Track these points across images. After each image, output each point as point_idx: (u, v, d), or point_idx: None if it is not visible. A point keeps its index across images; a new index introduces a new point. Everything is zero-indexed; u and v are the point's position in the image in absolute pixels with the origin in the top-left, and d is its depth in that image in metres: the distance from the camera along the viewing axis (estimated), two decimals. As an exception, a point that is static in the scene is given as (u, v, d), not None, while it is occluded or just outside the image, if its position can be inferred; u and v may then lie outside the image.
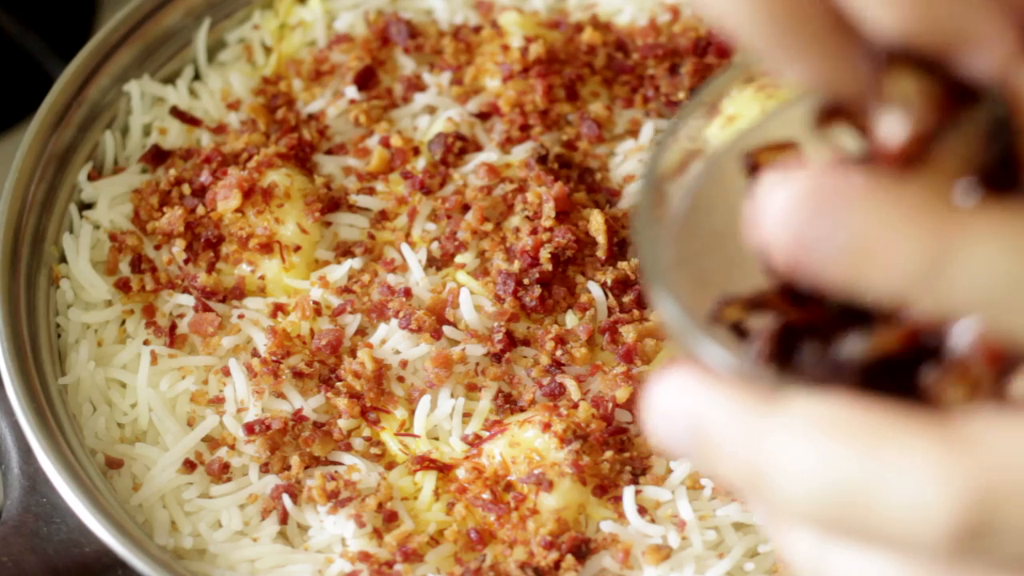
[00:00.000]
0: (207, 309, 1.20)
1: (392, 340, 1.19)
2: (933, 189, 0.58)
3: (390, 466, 1.15)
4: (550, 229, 1.21)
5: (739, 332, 0.65)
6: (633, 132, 1.30)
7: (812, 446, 0.59)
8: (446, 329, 1.18)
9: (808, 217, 0.57)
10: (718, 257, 0.69)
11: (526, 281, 1.20)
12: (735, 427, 0.61)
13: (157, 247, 1.25)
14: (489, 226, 1.22)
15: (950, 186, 0.59)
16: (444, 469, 1.14)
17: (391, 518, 1.11)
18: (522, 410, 1.16)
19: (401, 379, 1.17)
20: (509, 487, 1.12)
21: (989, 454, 0.57)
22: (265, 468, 1.14)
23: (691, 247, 0.71)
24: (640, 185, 0.71)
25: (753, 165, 0.69)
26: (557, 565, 1.09)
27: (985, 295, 0.57)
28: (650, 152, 0.71)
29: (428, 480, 1.13)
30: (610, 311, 1.20)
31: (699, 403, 0.62)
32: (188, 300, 1.21)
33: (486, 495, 1.12)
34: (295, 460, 1.13)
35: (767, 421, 0.60)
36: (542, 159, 1.25)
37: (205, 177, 1.27)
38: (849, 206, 0.57)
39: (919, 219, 0.57)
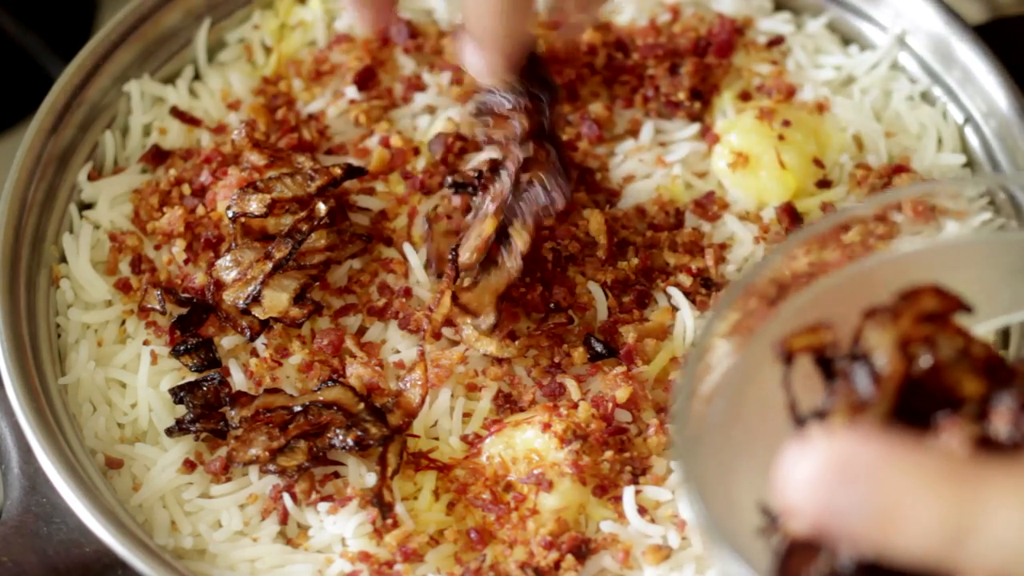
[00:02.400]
0: (208, 309, 1.20)
1: (391, 340, 1.19)
2: (952, 451, 0.61)
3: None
4: (550, 228, 1.22)
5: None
6: (633, 132, 1.30)
7: None
8: (445, 329, 1.18)
9: (834, 487, 0.60)
10: (758, 443, 0.73)
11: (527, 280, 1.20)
12: None
13: (157, 247, 1.25)
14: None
15: (968, 447, 0.62)
16: (444, 469, 1.14)
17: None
18: (522, 410, 1.16)
19: (400, 379, 1.17)
20: (509, 487, 1.12)
21: None
22: (265, 468, 1.14)
23: (734, 440, 0.75)
24: (675, 407, 0.74)
25: (787, 353, 0.72)
26: (557, 565, 1.09)
27: (1011, 556, 0.58)
28: (681, 373, 0.76)
29: (428, 480, 1.14)
30: (610, 311, 1.20)
31: None
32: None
33: (486, 495, 1.12)
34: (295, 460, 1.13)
35: None
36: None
37: (205, 177, 1.27)
38: (872, 475, 0.59)
39: (940, 486, 0.59)
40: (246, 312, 1.18)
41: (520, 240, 1.16)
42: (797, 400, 0.71)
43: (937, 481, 0.59)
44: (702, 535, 0.71)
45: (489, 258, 1.16)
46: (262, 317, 1.17)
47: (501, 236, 1.16)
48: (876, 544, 0.59)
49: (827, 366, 0.71)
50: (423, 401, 1.15)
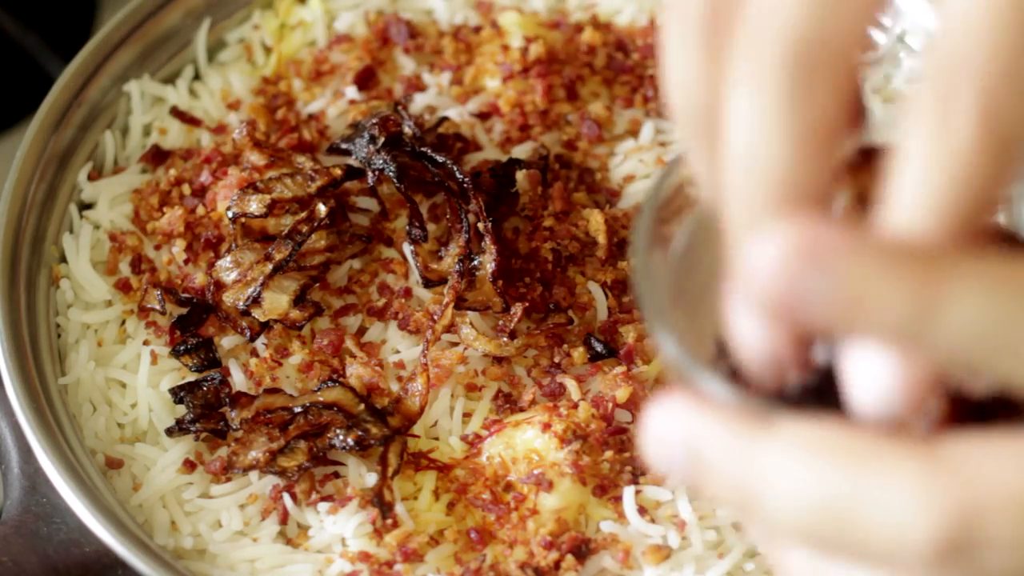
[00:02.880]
0: (208, 310, 1.20)
1: (391, 340, 1.19)
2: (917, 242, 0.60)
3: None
4: (550, 228, 1.22)
5: (735, 372, 0.69)
6: (633, 132, 1.30)
7: (801, 466, 0.62)
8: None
9: (799, 270, 0.59)
10: (714, 295, 0.71)
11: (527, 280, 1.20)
12: (728, 449, 0.64)
13: (157, 247, 1.25)
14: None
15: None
16: (444, 469, 1.14)
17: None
18: (522, 410, 1.16)
19: (400, 379, 1.17)
20: (509, 487, 1.12)
21: (971, 473, 0.60)
22: (265, 468, 1.14)
23: (688, 284, 0.74)
24: (639, 225, 0.73)
25: None
26: (557, 565, 1.09)
27: (973, 341, 0.59)
28: (648, 193, 0.73)
29: (428, 480, 1.14)
30: (610, 311, 1.20)
31: (694, 428, 0.65)
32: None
33: (486, 495, 1.12)
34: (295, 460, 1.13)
35: (758, 444, 0.63)
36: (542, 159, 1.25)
37: (205, 177, 1.27)
38: (838, 258, 0.59)
39: (907, 268, 0.59)
40: (246, 313, 1.18)
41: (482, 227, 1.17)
42: None
43: (904, 264, 0.58)
44: (668, 362, 0.70)
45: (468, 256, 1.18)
46: (262, 319, 1.17)
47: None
48: (843, 327, 0.60)
49: None
50: (423, 410, 1.15)
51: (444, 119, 1.27)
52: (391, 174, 1.19)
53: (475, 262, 1.17)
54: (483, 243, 1.18)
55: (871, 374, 0.62)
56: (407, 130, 1.22)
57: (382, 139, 1.20)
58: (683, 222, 0.74)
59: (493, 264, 1.16)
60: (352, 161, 1.22)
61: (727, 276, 0.65)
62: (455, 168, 1.19)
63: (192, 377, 1.18)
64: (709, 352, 0.70)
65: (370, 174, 1.20)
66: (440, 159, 1.20)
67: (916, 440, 0.61)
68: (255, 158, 1.23)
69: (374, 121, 1.21)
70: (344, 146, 1.23)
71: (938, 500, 0.59)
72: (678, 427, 0.65)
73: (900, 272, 0.59)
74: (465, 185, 1.19)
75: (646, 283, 0.71)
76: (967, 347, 0.59)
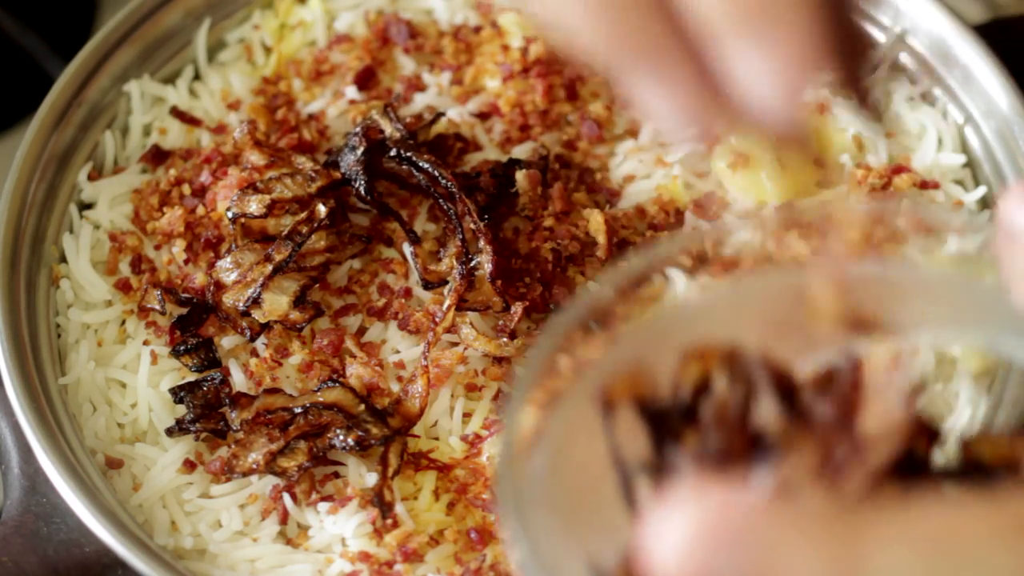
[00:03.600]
0: (208, 310, 1.20)
1: (391, 340, 1.19)
2: (825, 496, 0.58)
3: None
4: (550, 228, 1.22)
5: None
6: (633, 132, 1.30)
7: None
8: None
9: (709, 551, 0.56)
10: (584, 502, 0.68)
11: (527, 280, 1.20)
12: None
13: (157, 247, 1.25)
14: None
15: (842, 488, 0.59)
16: (444, 469, 1.14)
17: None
18: (522, 410, 1.16)
19: (400, 379, 1.17)
20: (509, 487, 1.12)
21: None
22: (265, 468, 1.14)
23: (557, 495, 0.70)
24: (510, 404, 0.69)
25: (607, 402, 0.67)
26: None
27: None
28: (506, 416, 0.70)
29: (428, 480, 1.14)
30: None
31: None
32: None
33: (486, 495, 1.12)
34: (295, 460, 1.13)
35: None
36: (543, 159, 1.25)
37: (205, 177, 1.27)
38: (748, 531, 0.56)
39: (821, 533, 0.56)
40: (246, 314, 1.18)
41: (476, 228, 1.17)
42: (622, 453, 0.66)
43: (815, 531, 0.56)
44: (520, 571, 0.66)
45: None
46: (262, 321, 1.17)
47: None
48: None
49: (652, 415, 0.66)
50: (423, 411, 1.15)
51: (439, 115, 1.27)
52: (362, 189, 1.19)
53: (474, 263, 1.17)
54: (479, 244, 1.17)
55: None
56: (395, 134, 1.22)
57: (362, 148, 1.20)
58: (544, 433, 0.71)
59: (490, 265, 1.16)
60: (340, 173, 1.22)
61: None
62: (438, 173, 1.19)
63: (192, 377, 1.18)
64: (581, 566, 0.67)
65: (354, 187, 1.20)
66: (423, 164, 1.20)
67: None
68: (255, 158, 1.23)
69: (357, 131, 1.21)
70: (335, 159, 1.23)
71: None
72: None
73: (815, 537, 0.56)
74: (451, 189, 1.18)
75: (507, 491, 0.67)
76: None
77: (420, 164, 1.19)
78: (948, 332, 0.79)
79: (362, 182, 1.20)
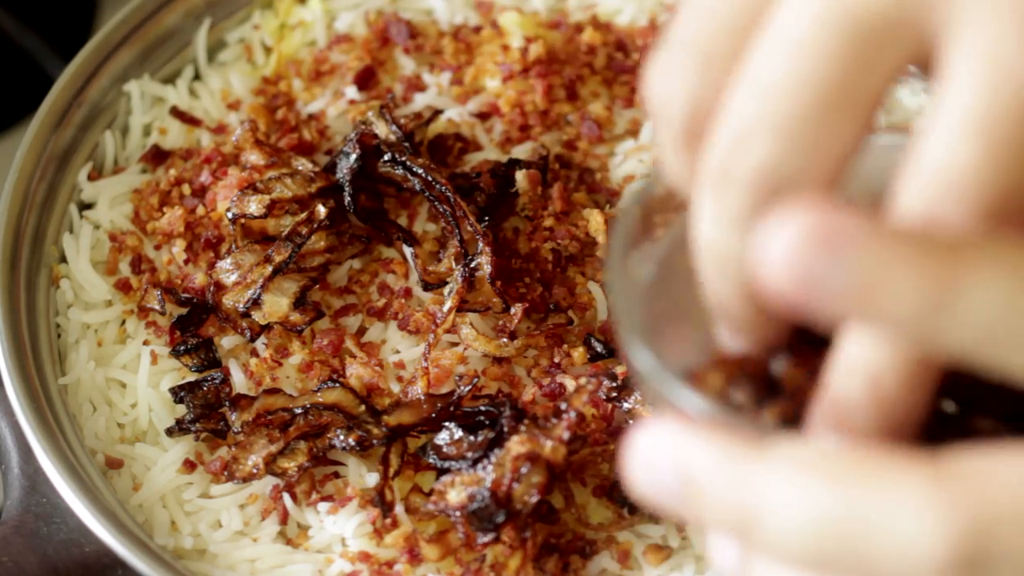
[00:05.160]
0: (208, 310, 1.20)
1: (391, 340, 1.19)
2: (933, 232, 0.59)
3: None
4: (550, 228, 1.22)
5: (718, 394, 0.66)
6: (633, 132, 1.30)
7: (802, 487, 0.59)
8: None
9: (814, 256, 0.57)
10: (685, 321, 0.69)
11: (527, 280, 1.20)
12: (722, 473, 0.61)
13: (157, 247, 1.25)
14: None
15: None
16: (444, 469, 1.14)
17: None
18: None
19: (400, 379, 1.17)
20: (509, 487, 1.12)
21: (980, 486, 0.58)
22: (265, 469, 1.14)
23: (660, 308, 0.71)
24: (618, 230, 0.70)
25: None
26: (558, 565, 1.09)
27: (988, 332, 0.57)
28: (629, 198, 0.71)
29: (428, 480, 1.13)
30: (610, 311, 1.20)
31: (684, 451, 0.62)
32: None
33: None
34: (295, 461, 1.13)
35: (755, 465, 0.60)
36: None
37: (205, 177, 1.27)
38: (853, 244, 0.57)
39: (923, 255, 0.57)
40: (246, 315, 1.18)
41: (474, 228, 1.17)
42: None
43: (919, 254, 0.57)
44: (645, 381, 0.67)
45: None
46: (262, 322, 1.17)
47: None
48: (858, 315, 0.58)
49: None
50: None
51: (436, 114, 1.27)
52: (347, 202, 1.19)
53: (473, 263, 1.17)
54: (479, 246, 1.17)
55: (863, 359, 0.61)
56: (391, 136, 1.22)
57: (355, 155, 1.20)
58: (665, 234, 0.72)
59: (490, 266, 1.16)
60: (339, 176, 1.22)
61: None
62: (432, 178, 1.19)
63: (192, 377, 1.18)
64: (688, 372, 0.68)
65: (344, 198, 1.20)
66: (417, 168, 1.19)
67: (920, 455, 0.59)
68: (255, 158, 1.23)
69: (352, 136, 1.21)
70: (334, 160, 1.23)
71: (950, 515, 0.57)
72: (667, 451, 0.62)
73: (917, 259, 0.57)
74: (446, 193, 1.18)
75: (622, 297, 0.68)
76: (982, 339, 0.57)
77: (415, 169, 1.19)
78: None
79: (348, 196, 1.19)
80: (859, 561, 0.59)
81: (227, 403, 1.14)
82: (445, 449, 1.10)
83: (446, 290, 1.18)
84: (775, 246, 0.58)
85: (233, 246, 1.20)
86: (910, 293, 0.57)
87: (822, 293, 0.58)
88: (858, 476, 0.59)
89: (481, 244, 1.17)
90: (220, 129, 1.32)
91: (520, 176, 1.23)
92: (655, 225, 0.72)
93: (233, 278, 1.18)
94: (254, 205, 1.19)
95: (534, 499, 1.06)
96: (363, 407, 1.13)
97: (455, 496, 1.08)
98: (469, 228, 1.18)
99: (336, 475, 1.15)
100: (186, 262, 1.23)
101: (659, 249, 0.72)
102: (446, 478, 1.09)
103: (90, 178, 1.29)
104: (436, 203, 1.19)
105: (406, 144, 1.22)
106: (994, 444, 0.60)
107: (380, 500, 1.10)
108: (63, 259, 1.26)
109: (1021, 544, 0.57)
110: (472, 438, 1.10)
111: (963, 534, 0.57)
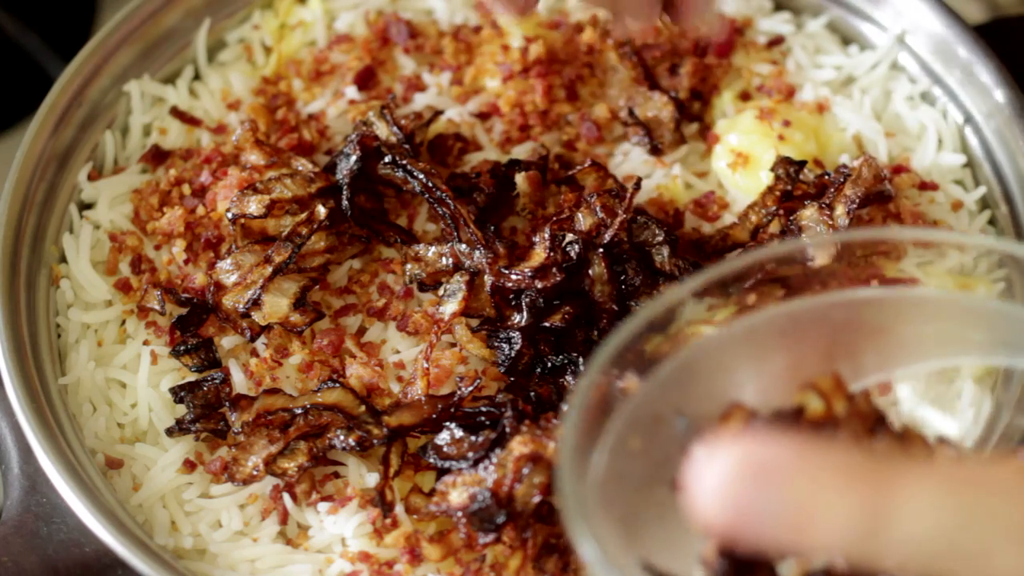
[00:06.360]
0: (208, 310, 1.20)
1: (391, 340, 1.19)
2: (858, 445, 0.61)
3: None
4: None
5: None
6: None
7: None
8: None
9: (744, 488, 0.59)
10: (645, 502, 0.71)
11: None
12: None
13: (157, 247, 1.25)
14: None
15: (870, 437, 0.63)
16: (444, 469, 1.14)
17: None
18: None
19: (400, 379, 1.17)
20: (509, 487, 1.12)
21: None
22: (265, 470, 1.14)
23: (617, 494, 0.73)
24: (561, 440, 0.72)
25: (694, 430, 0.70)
26: (558, 565, 1.09)
27: (925, 546, 0.59)
28: (575, 395, 0.74)
29: (428, 480, 1.13)
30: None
31: None
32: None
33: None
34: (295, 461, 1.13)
35: None
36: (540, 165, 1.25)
37: (205, 177, 1.27)
38: (783, 473, 0.59)
39: (854, 477, 0.59)
40: (246, 315, 1.18)
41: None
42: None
43: (848, 476, 0.59)
44: (590, 568, 0.70)
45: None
46: (262, 323, 1.17)
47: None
48: (792, 542, 0.59)
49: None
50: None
51: (437, 114, 1.27)
52: (343, 205, 1.19)
53: (475, 273, 1.17)
54: (476, 255, 1.17)
55: None
56: (391, 138, 1.22)
57: (355, 156, 1.20)
58: (612, 422, 0.74)
59: (491, 277, 1.16)
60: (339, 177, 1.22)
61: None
62: (432, 184, 1.19)
63: (192, 377, 1.18)
64: (642, 561, 0.69)
65: (344, 200, 1.20)
66: (417, 173, 1.19)
67: None
68: (255, 158, 1.23)
69: (353, 137, 1.21)
70: (334, 161, 1.23)
71: None
72: None
73: (848, 480, 0.58)
74: (445, 198, 1.18)
75: (571, 487, 0.70)
76: (916, 552, 0.59)
77: (415, 173, 1.19)
78: (950, 352, 0.82)
79: (345, 199, 1.19)
80: None
81: (227, 403, 1.14)
82: (445, 449, 1.10)
83: (441, 291, 1.18)
84: (708, 479, 0.60)
85: (233, 246, 1.20)
86: (847, 513, 0.58)
87: (759, 522, 0.59)
88: None
89: (480, 251, 1.17)
90: (220, 129, 1.32)
91: (520, 176, 1.23)
92: (604, 418, 0.74)
93: (233, 278, 1.18)
94: (254, 205, 1.19)
95: (536, 500, 1.06)
96: (363, 407, 1.13)
97: (457, 496, 1.08)
98: (469, 236, 1.18)
99: (336, 475, 1.15)
100: (186, 262, 1.23)
101: (609, 437, 0.74)
102: (448, 478, 1.09)
103: (90, 178, 1.29)
104: (436, 205, 1.19)
105: (406, 146, 1.22)
106: None
107: (380, 500, 1.10)
108: (63, 259, 1.26)
109: None
110: (473, 438, 1.10)
111: None
